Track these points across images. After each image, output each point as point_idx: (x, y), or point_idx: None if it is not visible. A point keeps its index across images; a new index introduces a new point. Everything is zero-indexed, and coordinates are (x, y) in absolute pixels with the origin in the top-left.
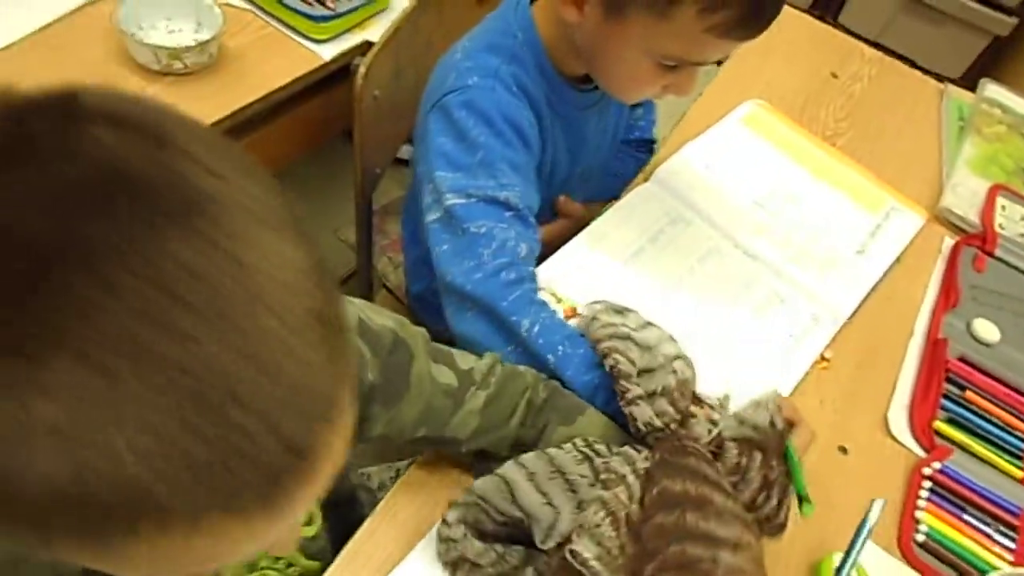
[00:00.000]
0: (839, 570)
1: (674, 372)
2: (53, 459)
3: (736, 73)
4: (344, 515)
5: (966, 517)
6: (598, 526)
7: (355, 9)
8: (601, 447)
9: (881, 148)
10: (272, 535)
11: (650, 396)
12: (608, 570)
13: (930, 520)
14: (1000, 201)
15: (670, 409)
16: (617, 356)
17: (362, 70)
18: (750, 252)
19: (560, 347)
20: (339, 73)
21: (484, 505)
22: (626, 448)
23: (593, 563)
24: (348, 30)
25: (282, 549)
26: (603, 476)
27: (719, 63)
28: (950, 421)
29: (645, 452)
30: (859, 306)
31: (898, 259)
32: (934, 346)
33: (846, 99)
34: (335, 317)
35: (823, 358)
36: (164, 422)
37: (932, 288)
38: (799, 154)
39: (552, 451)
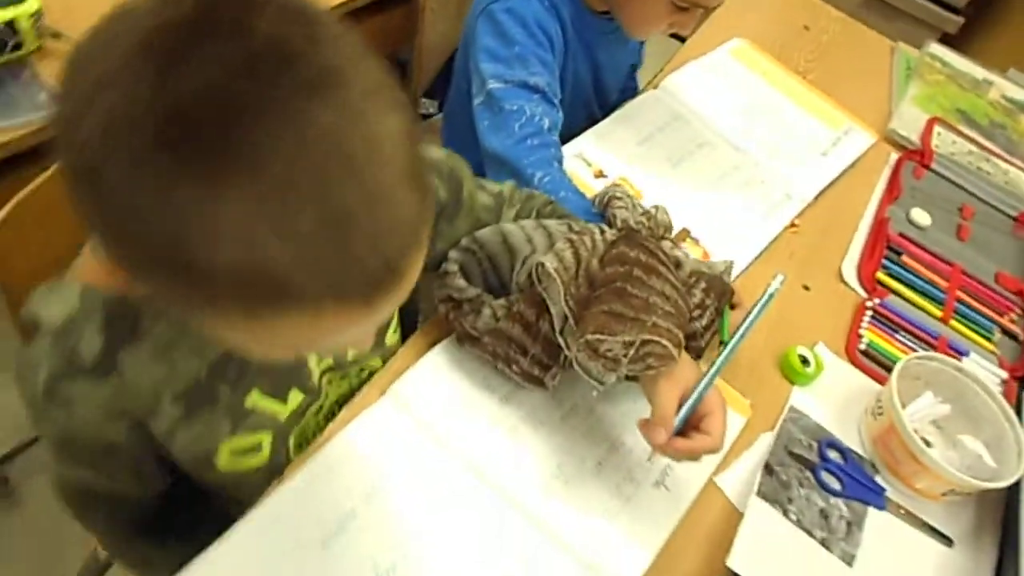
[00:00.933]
0: (746, 318)
1: (657, 209)
2: (233, 247)
3: (721, 24)
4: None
5: (897, 336)
6: (562, 251)
7: None
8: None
9: (843, 84)
10: (362, 328)
11: (639, 214)
12: (561, 281)
13: (870, 336)
14: (936, 129)
15: (646, 223)
16: (617, 188)
17: None
18: (737, 146)
19: (562, 192)
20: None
21: (478, 251)
22: (604, 225)
23: (551, 271)
24: None
25: (362, 344)
26: (576, 229)
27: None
28: (888, 274)
29: (615, 232)
30: (823, 191)
31: (853, 164)
32: (880, 223)
33: (815, 46)
34: (424, 168)
35: (793, 224)
36: (308, 232)
37: (880, 187)
38: (776, 80)
39: (545, 220)
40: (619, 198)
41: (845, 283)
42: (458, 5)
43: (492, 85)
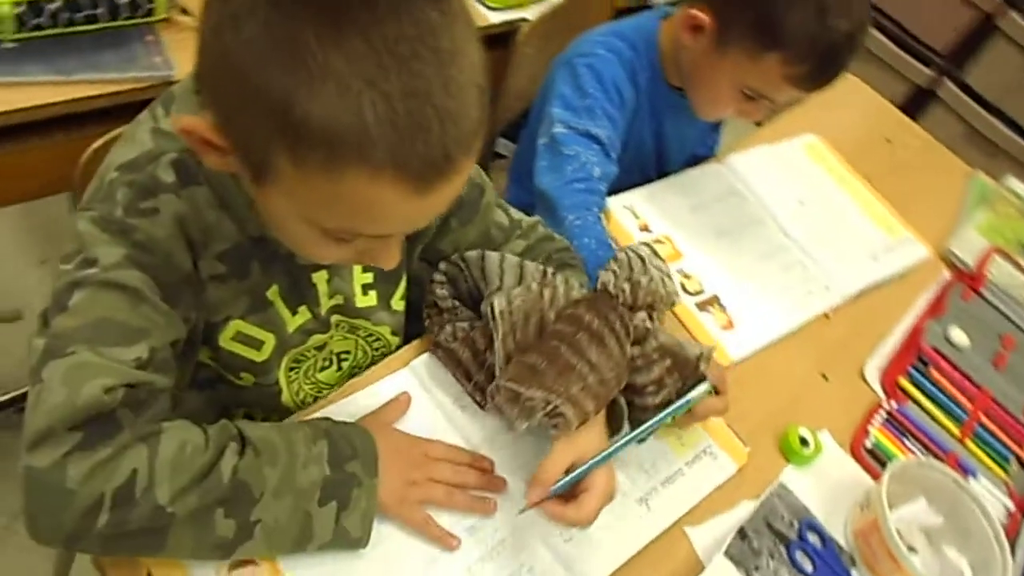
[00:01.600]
0: (658, 415)
1: (651, 279)
2: (330, 92)
3: (799, 118)
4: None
5: (906, 441)
6: (517, 296)
7: None
8: (568, 276)
9: (911, 199)
10: (404, 215)
11: (624, 278)
12: (503, 323)
13: (878, 435)
14: (995, 257)
15: (627, 291)
16: (638, 247)
17: (526, 29)
18: (786, 232)
19: (586, 238)
20: (499, 39)
21: (463, 267)
22: (574, 281)
23: (497, 312)
24: (515, 6)
25: (390, 260)
26: (544, 280)
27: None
28: (912, 382)
29: (587, 292)
30: (863, 291)
31: (901, 275)
32: (915, 332)
33: (892, 159)
34: (487, 93)
35: (826, 315)
36: (393, 93)
37: (923, 300)
38: (842, 179)
39: (526, 261)
40: (618, 260)
41: (865, 381)
42: (553, 54)
43: (557, 129)
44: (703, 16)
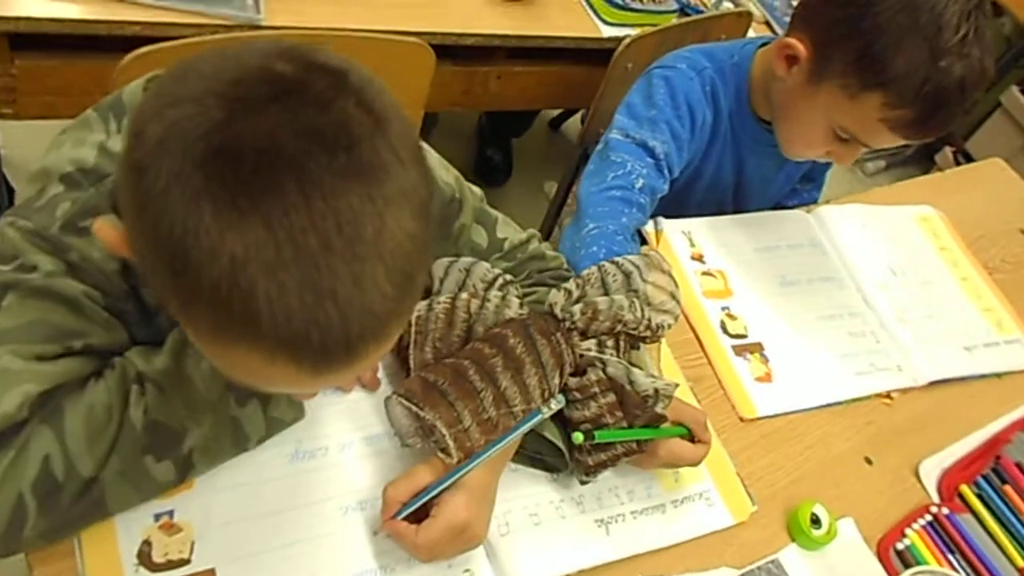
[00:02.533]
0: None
1: (613, 302)
2: (223, 269)
3: (920, 192)
4: None
5: (949, 556)
6: (440, 304)
7: (643, 11)
8: (511, 290)
9: None
10: (304, 390)
11: (576, 299)
12: (420, 328)
13: (916, 539)
14: None
15: (576, 313)
16: (598, 269)
17: (627, 40)
18: (866, 297)
19: (594, 247)
20: (605, 54)
21: None
22: (514, 298)
23: (412, 317)
24: (630, 24)
25: (302, 399)
26: (480, 291)
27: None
28: (977, 493)
29: (526, 311)
30: (941, 382)
31: (999, 375)
32: (996, 441)
33: (1021, 250)
34: (420, 273)
35: (888, 395)
36: (291, 287)
37: (1019, 411)
38: (953, 260)
39: (481, 262)
40: (582, 277)
41: (918, 478)
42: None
43: (613, 135)
44: (800, 46)
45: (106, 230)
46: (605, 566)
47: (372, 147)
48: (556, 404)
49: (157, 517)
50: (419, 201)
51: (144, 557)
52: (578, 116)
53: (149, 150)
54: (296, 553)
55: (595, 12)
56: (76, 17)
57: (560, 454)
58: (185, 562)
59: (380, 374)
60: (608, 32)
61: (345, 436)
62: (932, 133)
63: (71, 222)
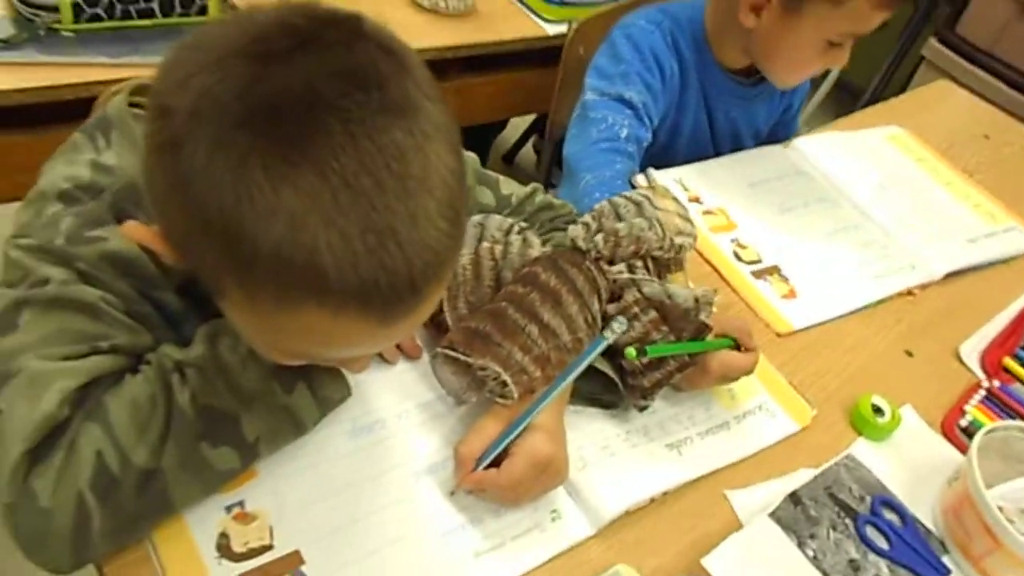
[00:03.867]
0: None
1: (633, 225)
2: (283, 228)
3: (884, 114)
4: None
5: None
6: (463, 255)
7: (581, 4)
8: (529, 234)
9: (1017, 191)
10: (369, 345)
11: (595, 231)
12: (449, 288)
13: (976, 413)
14: None
15: (600, 242)
16: (609, 203)
17: (575, 25)
18: (862, 210)
19: (597, 194)
20: (554, 52)
21: None
22: (535, 238)
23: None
24: (570, 19)
25: (358, 366)
26: (497, 239)
27: None
28: (1019, 363)
29: (549, 249)
30: (956, 273)
31: (1006, 261)
32: (1022, 314)
33: (992, 153)
34: (464, 209)
35: (911, 292)
36: (353, 232)
37: None
38: (932, 169)
39: (493, 215)
40: (595, 211)
41: (960, 361)
42: None
43: (588, 96)
44: None
45: (137, 229)
46: (688, 485)
47: (401, 85)
48: (619, 326)
49: (229, 509)
50: (453, 136)
51: (224, 549)
52: (530, 146)
53: (181, 123)
54: (377, 522)
55: (535, 13)
56: (41, 84)
57: (613, 388)
58: (267, 548)
59: (419, 342)
60: (552, 30)
61: (398, 406)
62: None
63: (76, 234)
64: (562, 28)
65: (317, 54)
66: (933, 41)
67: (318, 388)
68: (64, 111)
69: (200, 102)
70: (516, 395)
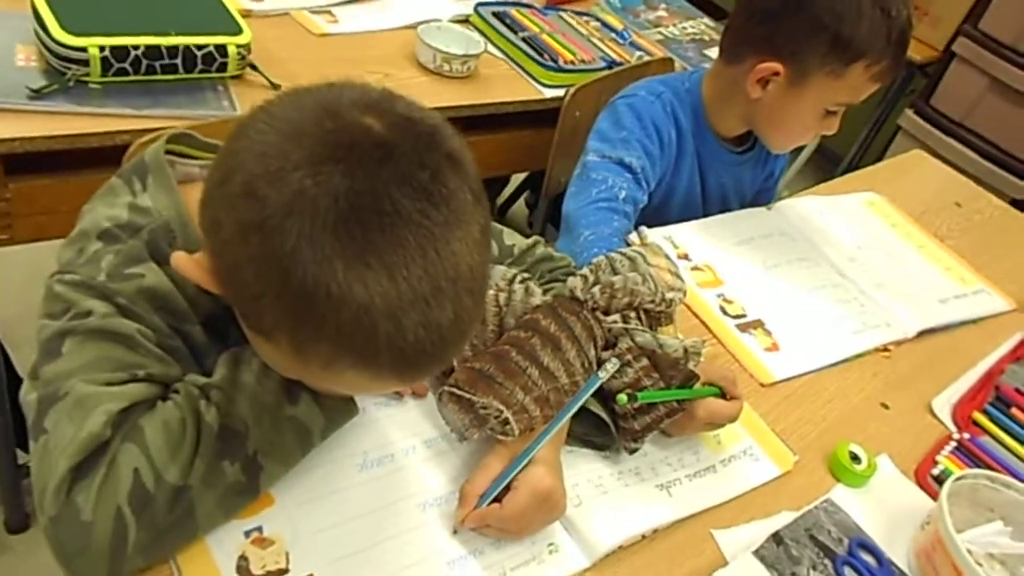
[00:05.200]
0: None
1: (627, 279)
2: (347, 319)
3: (861, 182)
4: None
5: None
6: None
7: (576, 71)
8: (531, 284)
9: (986, 257)
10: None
11: (592, 283)
12: None
13: (947, 463)
14: None
15: (596, 294)
16: (606, 258)
17: (572, 90)
18: (840, 271)
19: (595, 250)
20: (550, 115)
21: None
22: (536, 288)
23: None
24: (567, 84)
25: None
26: (501, 287)
27: None
28: (988, 418)
29: (550, 298)
30: (928, 331)
31: (975, 321)
32: (992, 374)
33: (963, 221)
34: (483, 305)
35: (886, 348)
36: (409, 326)
37: (1004, 347)
38: (906, 234)
39: (497, 266)
40: (592, 264)
41: (933, 414)
42: None
43: (589, 157)
44: (775, 65)
45: (187, 263)
46: (677, 524)
47: (461, 196)
48: (612, 366)
49: (247, 533)
50: (487, 232)
51: (243, 571)
52: (522, 201)
53: (273, 214)
54: (388, 549)
55: (533, 78)
56: (68, 132)
57: (605, 431)
58: (284, 571)
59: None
60: (549, 93)
61: (406, 442)
62: (903, 67)
63: (116, 271)
64: (559, 92)
65: (400, 171)
66: (909, 112)
67: (322, 398)
68: (86, 158)
69: (295, 202)
70: (517, 432)
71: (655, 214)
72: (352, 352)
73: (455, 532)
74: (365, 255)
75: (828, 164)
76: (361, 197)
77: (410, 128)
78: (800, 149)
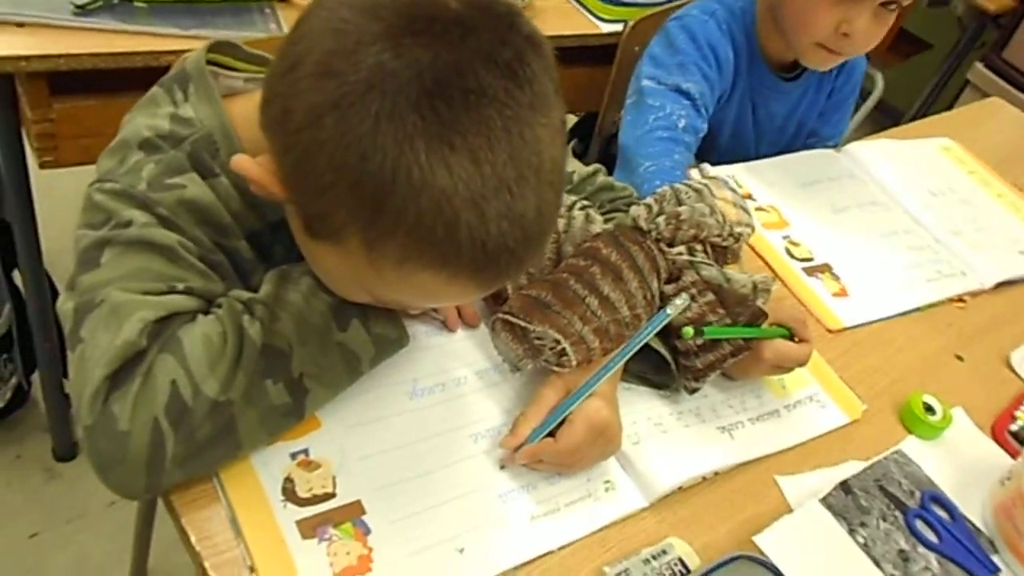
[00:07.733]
0: (634, 338)
1: (695, 210)
2: (429, 206)
3: (938, 127)
4: None
5: None
6: None
7: (636, 4)
8: (591, 210)
9: None
10: (462, 298)
11: (656, 213)
12: None
13: None
14: None
15: (661, 224)
16: (671, 188)
17: (632, 23)
18: (914, 217)
19: (657, 181)
20: (607, 53)
21: None
22: (596, 215)
23: None
24: (625, 19)
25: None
26: (563, 212)
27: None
28: None
29: (611, 226)
30: (1008, 284)
31: None
32: None
33: None
34: (560, 206)
35: (961, 299)
36: (492, 215)
37: None
38: (984, 181)
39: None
40: (657, 194)
41: (1011, 369)
42: None
43: (645, 83)
44: None
45: (248, 163)
46: (738, 468)
47: (543, 80)
48: (681, 302)
49: (294, 456)
50: (565, 128)
51: (289, 493)
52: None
53: (350, 91)
54: (437, 479)
55: (591, 12)
56: (114, 51)
57: (665, 370)
58: (330, 496)
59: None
60: (607, 28)
61: (457, 372)
62: None
63: (157, 181)
64: (616, 27)
65: (484, 48)
66: (979, 66)
67: (372, 325)
68: (131, 79)
69: (375, 76)
70: (575, 363)
71: (703, 144)
72: (431, 247)
73: (502, 467)
74: (449, 135)
75: (889, 121)
76: (446, 71)
77: (489, 8)
78: (858, 104)
